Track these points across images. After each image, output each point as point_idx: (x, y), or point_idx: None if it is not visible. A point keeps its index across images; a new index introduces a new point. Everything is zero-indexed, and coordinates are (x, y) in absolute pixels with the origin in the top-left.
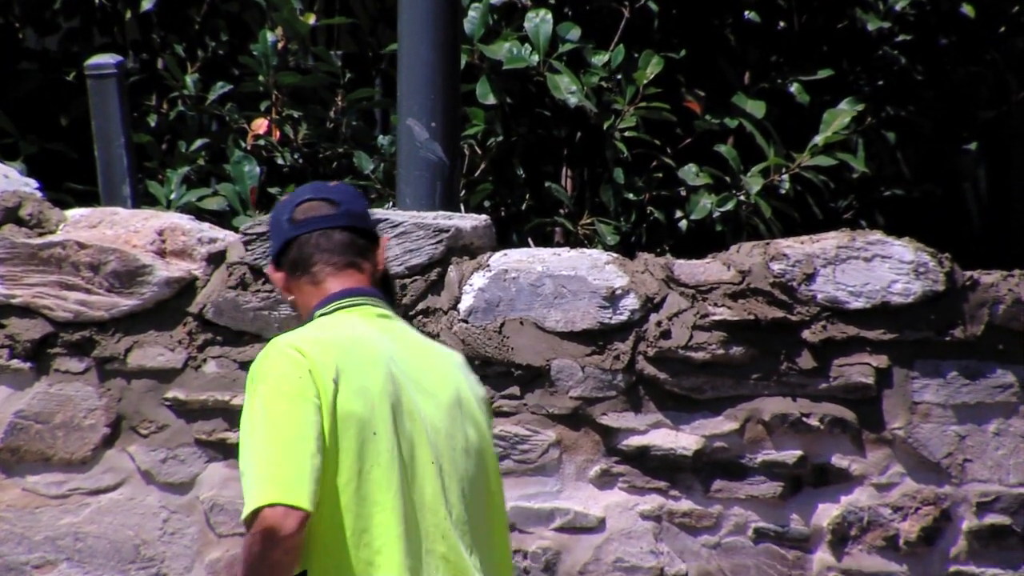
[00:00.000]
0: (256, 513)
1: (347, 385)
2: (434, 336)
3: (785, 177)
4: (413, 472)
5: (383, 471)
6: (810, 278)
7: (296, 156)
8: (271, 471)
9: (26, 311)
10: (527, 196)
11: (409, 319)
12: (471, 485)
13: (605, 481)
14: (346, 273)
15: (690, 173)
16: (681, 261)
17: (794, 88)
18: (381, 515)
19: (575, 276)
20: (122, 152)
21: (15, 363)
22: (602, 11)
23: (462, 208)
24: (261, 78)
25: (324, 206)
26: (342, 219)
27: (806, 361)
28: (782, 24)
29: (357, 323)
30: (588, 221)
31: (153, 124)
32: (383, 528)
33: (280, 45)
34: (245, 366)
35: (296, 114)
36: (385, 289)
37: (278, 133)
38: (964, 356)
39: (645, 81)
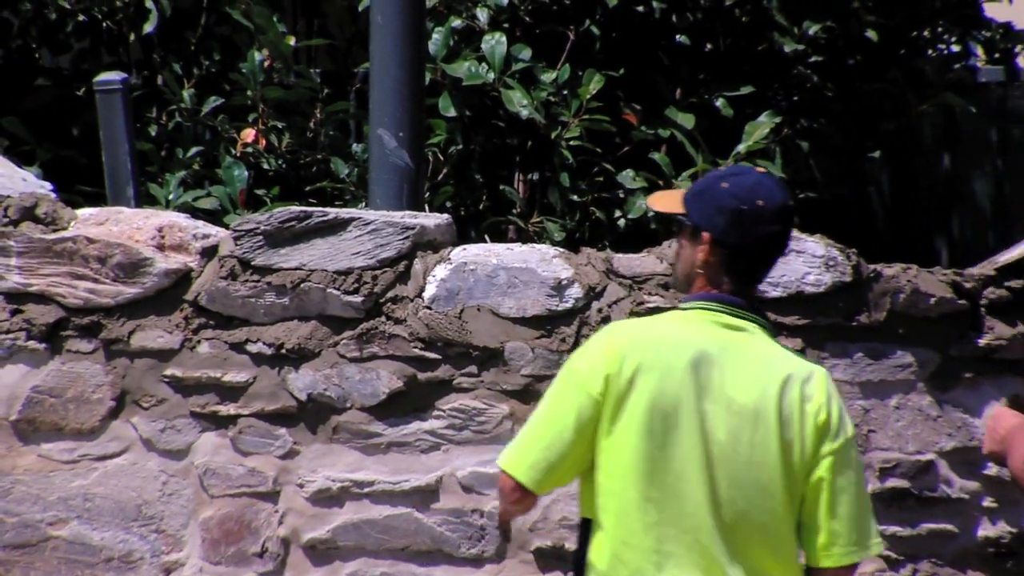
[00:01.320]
0: (501, 467)
1: (641, 386)
2: (400, 320)
3: None
4: (683, 474)
5: (650, 469)
6: None
7: (280, 162)
8: (522, 440)
9: (42, 298)
10: (484, 198)
11: (379, 307)
12: (745, 495)
13: None
14: (742, 282)
15: (627, 177)
16: (619, 255)
17: (720, 103)
18: (640, 505)
19: (526, 268)
20: (126, 158)
21: (32, 344)
22: (550, 34)
23: (426, 208)
24: (249, 93)
25: (780, 234)
26: (782, 249)
27: None
28: (709, 46)
29: (696, 326)
30: (538, 220)
31: (154, 133)
32: (639, 517)
33: (266, 64)
34: (235, 347)
35: (280, 125)
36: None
37: (264, 141)
38: (869, 339)
39: (588, 96)
